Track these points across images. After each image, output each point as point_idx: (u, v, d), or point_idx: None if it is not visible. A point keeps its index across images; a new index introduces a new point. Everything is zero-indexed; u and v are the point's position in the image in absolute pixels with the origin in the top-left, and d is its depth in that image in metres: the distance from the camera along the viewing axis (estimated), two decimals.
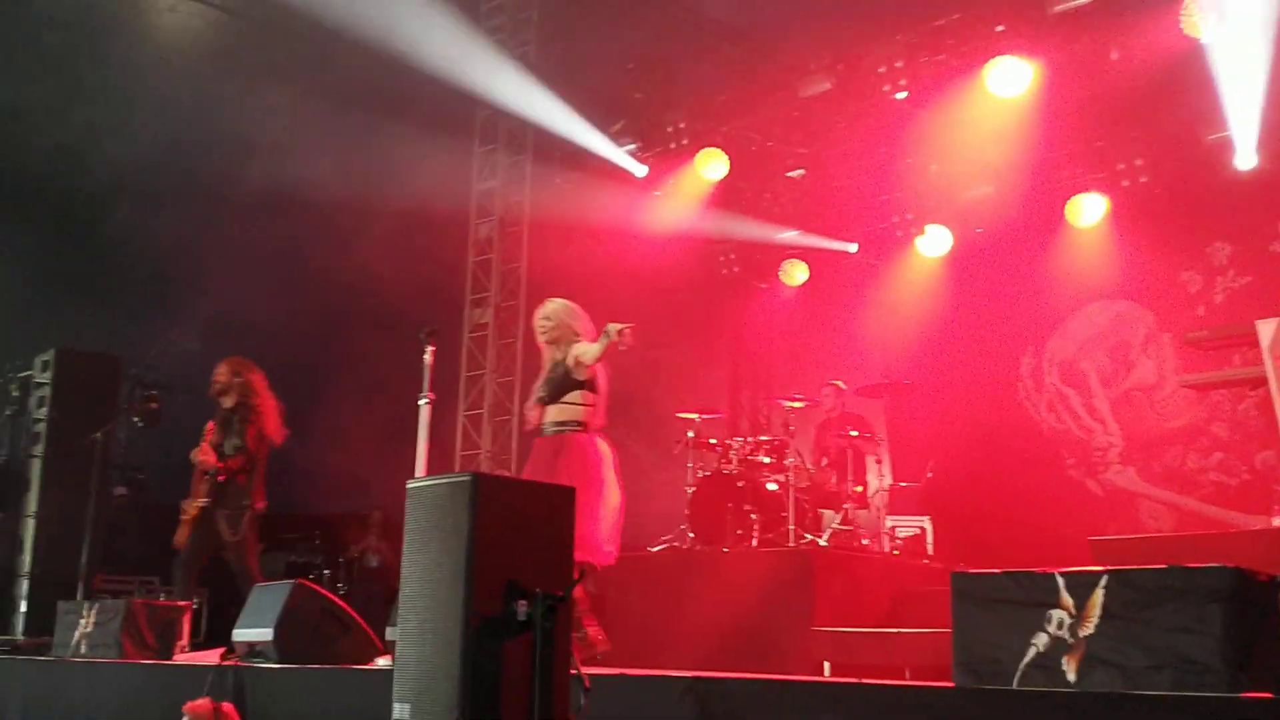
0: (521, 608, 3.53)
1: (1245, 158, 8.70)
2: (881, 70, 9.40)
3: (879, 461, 9.23)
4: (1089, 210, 9.85)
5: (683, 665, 5.43)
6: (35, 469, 9.30)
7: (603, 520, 5.78)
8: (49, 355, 9.54)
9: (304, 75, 10.85)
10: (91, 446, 8.64)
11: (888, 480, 9.24)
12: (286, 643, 5.52)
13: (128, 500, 10.70)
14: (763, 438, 9.03)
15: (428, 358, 5.81)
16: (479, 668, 3.46)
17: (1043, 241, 10.30)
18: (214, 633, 9.48)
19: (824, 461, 9.24)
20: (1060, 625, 3.26)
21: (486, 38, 11.17)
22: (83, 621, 6.87)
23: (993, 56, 8.88)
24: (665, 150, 10.99)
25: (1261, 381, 6.42)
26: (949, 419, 10.62)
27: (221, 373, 7.40)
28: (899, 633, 6.70)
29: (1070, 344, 10.43)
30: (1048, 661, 3.26)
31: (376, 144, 10.90)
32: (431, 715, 3.56)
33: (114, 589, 9.68)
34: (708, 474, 8.73)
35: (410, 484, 3.93)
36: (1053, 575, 3.32)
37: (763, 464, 8.70)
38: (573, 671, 3.70)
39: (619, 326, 5.53)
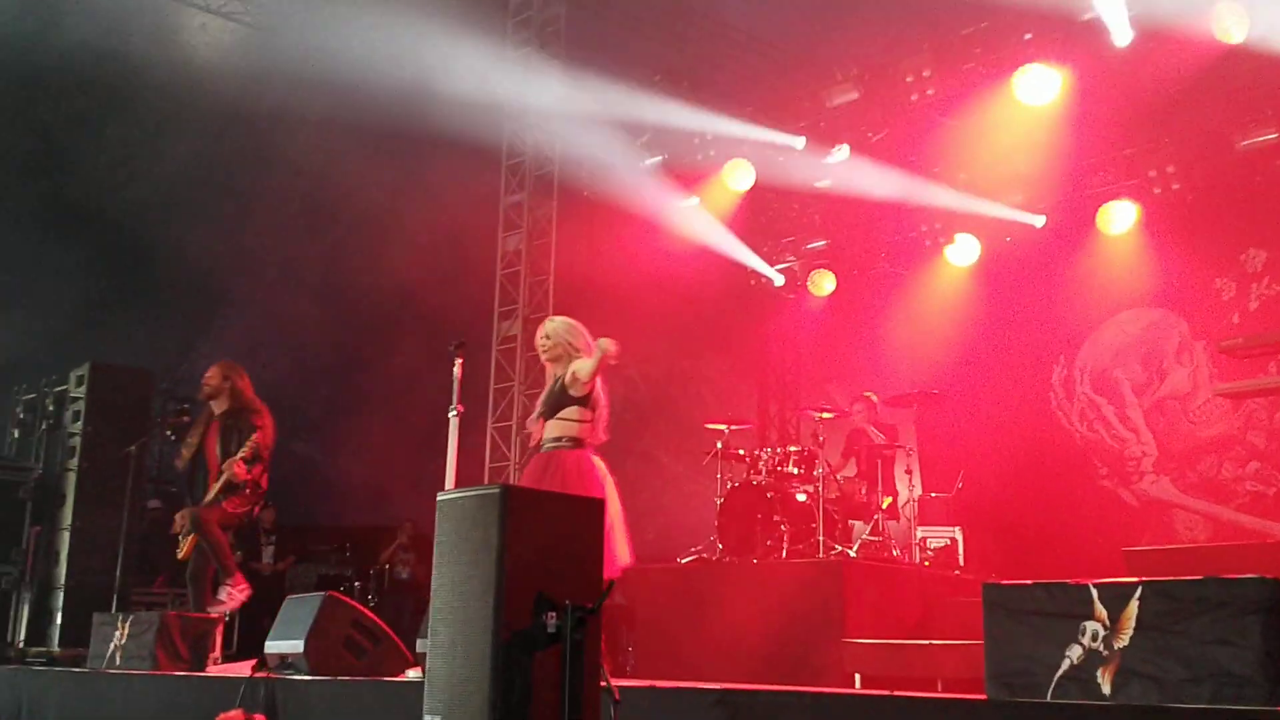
0: (551, 620, 3.53)
1: None
2: (909, 79, 9.38)
3: (909, 472, 9.17)
4: (1120, 218, 9.77)
5: (712, 677, 5.41)
6: (70, 482, 9.39)
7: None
8: (83, 370, 9.64)
9: (333, 91, 10.94)
10: (125, 460, 8.72)
11: (918, 491, 9.18)
12: (317, 655, 5.54)
13: (161, 513, 10.79)
14: (792, 448, 8.99)
15: (456, 370, 5.83)
16: (509, 680, 3.46)
17: (1073, 249, 10.23)
18: (246, 644, 9.55)
19: (853, 471, 9.20)
20: (1094, 637, 3.23)
21: (514, 50, 11.22)
22: (117, 633, 6.92)
23: (1021, 64, 8.83)
24: (692, 161, 11.00)
25: None
26: (979, 429, 10.56)
27: (212, 376, 7.30)
28: (930, 644, 6.64)
29: (1102, 353, 10.34)
30: (1082, 674, 3.22)
31: (405, 158, 10.98)
32: None
33: (148, 601, 9.77)
34: (737, 485, 8.71)
35: (440, 496, 3.94)
36: (1086, 586, 3.28)
37: (792, 475, 8.67)
38: (602, 684, 3.69)
39: (608, 342, 5.55)
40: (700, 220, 11.29)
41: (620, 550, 5.69)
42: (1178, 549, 7.94)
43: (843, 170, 10.90)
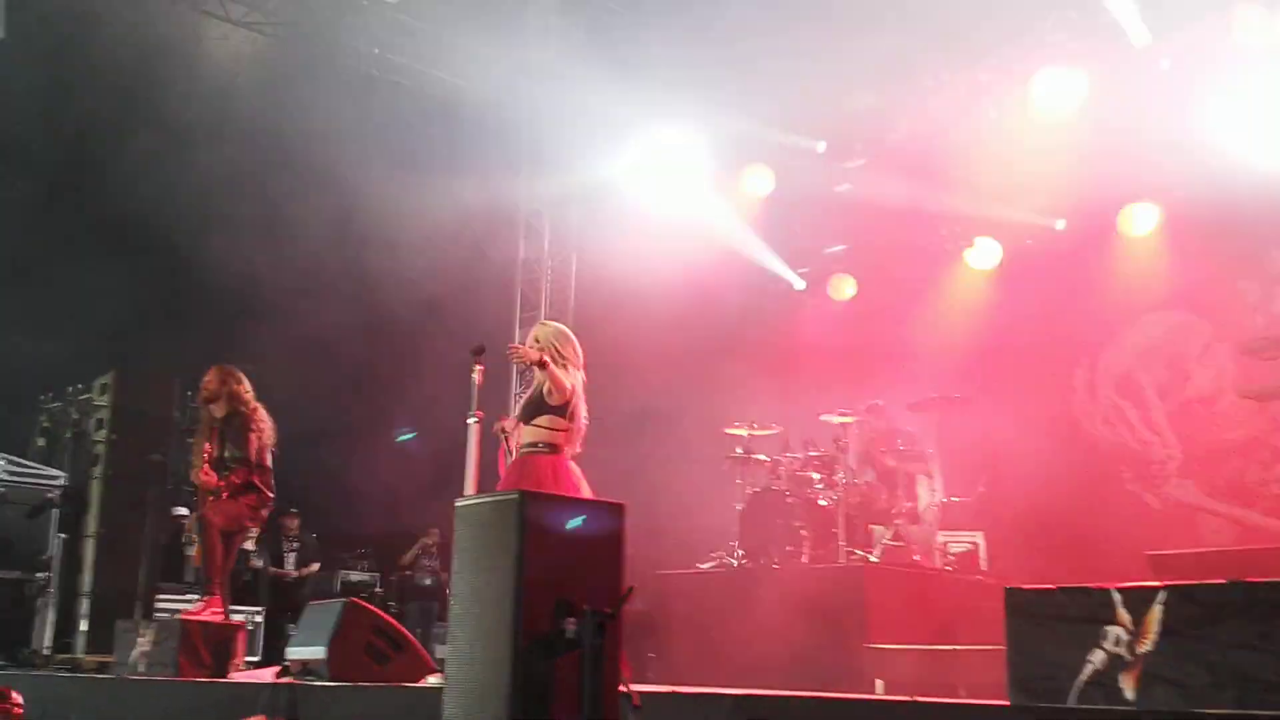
0: (570, 625, 3.53)
1: None
2: (928, 83, 9.35)
3: (930, 476, 9.13)
4: (1142, 219, 9.71)
5: (733, 683, 5.40)
6: (95, 490, 9.45)
7: None
8: (107, 378, 9.71)
9: (354, 99, 11.00)
10: (150, 468, 8.76)
11: (939, 495, 9.14)
12: (338, 661, 5.56)
13: (185, 520, 10.86)
14: (812, 453, 8.97)
15: (476, 377, 5.85)
16: (528, 686, 3.47)
17: (1095, 252, 10.17)
18: (270, 651, 9.59)
19: (872, 476, 9.16)
20: (1117, 642, 3.21)
21: (535, 55, 11.24)
22: (141, 640, 6.96)
23: (1040, 66, 8.80)
24: (713, 166, 11.00)
25: None
26: (1001, 433, 10.48)
27: (210, 380, 7.28)
28: (952, 650, 6.62)
29: (1125, 355, 10.27)
30: (1105, 679, 3.20)
31: (426, 164, 11.02)
32: None
33: (172, 608, 9.83)
34: (757, 490, 8.70)
35: (459, 503, 3.95)
36: (1108, 591, 3.26)
37: (812, 480, 8.65)
38: (622, 689, 3.69)
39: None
40: (720, 225, 11.29)
41: None
42: (1202, 553, 7.86)
43: (862, 174, 10.89)
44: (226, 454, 7.13)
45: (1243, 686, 2.96)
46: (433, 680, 5.44)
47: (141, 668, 6.85)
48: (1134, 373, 10.18)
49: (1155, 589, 3.19)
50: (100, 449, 9.51)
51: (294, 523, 11.78)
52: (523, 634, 3.50)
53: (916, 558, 8.55)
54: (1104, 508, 9.84)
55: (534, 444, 5.78)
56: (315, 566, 11.89)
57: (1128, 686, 3.16)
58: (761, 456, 9.03)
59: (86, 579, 9.28)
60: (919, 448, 9.24)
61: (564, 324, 6.35)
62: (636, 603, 8.32)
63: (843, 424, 8.88)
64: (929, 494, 9.04)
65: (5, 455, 9.35)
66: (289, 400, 7.97)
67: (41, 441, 10.24)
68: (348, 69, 10.91)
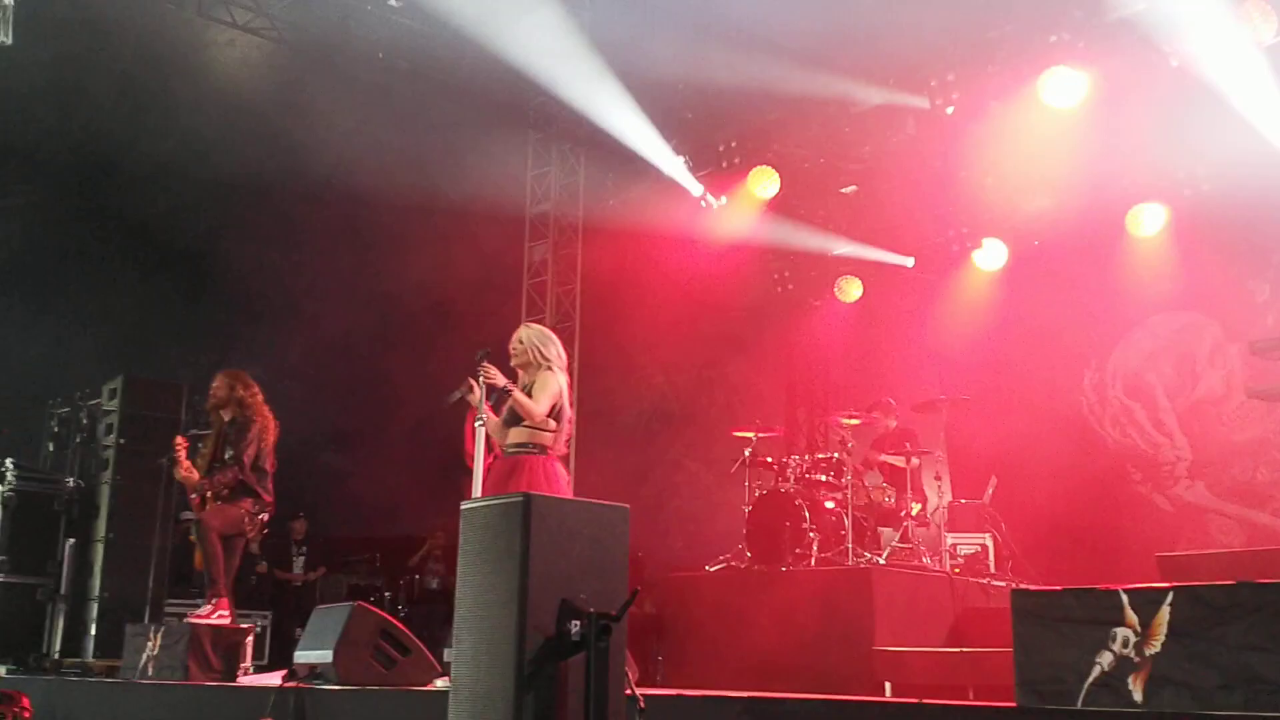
0: (575, 628, 3.52)
1: None
2: (934, 83, 9.33)
3: (938, 478, 9.10)
4: (1150, 220, 9.67)
5: (740, 685, 5.38)
6: (104, 495, 9.48)
7: None
8: (116, 383, 9.74)
9: (361, 104, 11.03)
10: (159, 472, 8.79)
11: (948, 497, 9.11)
12: (346, 664, 5.57)
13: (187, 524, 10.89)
14: (820, 455, 8.95)
15: (481, 381, 5.86)
16: (533, 689, 3.46)
17: (1103, 253, 10.12)
18: (277, 655, 9.61)
19: (880, 478, 9.15)
20: (1125, 643, 3.19)
21: (540, 59, 11.25)
22: (150, 644, 6.98)
23: (1048, 66, 8.77)
24: (717, 170, 11.00)
25: None
26: (1009, 434, 10.45)
27: (219, 386, 7.34)
28: (960, 652, 6.59)
29: (1134, 356, 10.23)
30: (1113, 681, 3.19)
31: (432, 167, 11.04)
32: None
33: (180, 612, 9.85)
34: (765, 492, 8.67)
35: (464, 505, 3.95)
36: (1116, 592, 3.24)
37: (820, 482, 8.63)
38: (627, 692, 3.68)
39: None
40: (727, 227, 11.28)
41: None
42: (1212, 554, 7.82)
43: (867, 175, 10.87)
44: (227, 456, 7.18)
45: (1252, 688, 2.95)
46: (440, 683, 5.44)
47: (150, 671, 6.87)
48: (1143, 374, 10.14)
49: (1163, 590, 3.17)
50: (110, 454, 9.54)
51: (301, 527, 11.81)
52: (528, 637, 3.49)
53: (925, 560, 8.52)
54: (1113, 509, 9.81)
55: (523, 444, 5.80)
56: (322, 570, 11.92)
57: (1136, 688, 3.14)
58: (769, 459, 9.00)
59: (96, 583, 9.30)
60: (927, 449, 9.21)
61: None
62: (645, 605, 8.32)
63: (851, 426, 8.86)
64: (937, 496, 9.02)
65: (15, 460, 9.39)
66: (296, 405, 7.99)
67: (51, 447, 10.27)
68: (352, 72, 10.93)
